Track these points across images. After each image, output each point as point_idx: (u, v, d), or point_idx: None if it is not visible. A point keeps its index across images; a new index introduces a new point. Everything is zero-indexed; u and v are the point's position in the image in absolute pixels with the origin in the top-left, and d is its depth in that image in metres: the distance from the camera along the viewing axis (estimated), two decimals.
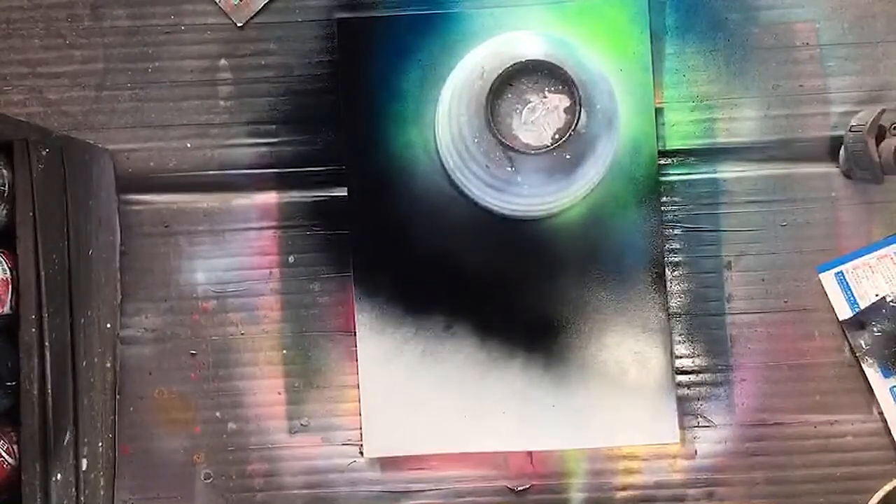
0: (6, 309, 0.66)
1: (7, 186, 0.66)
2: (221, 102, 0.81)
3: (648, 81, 0.78)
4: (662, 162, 0.79)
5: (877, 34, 0.79)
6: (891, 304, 0.77)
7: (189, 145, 0.81)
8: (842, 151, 0.78)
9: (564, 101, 0.75)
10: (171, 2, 0.80)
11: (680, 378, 0.79)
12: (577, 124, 0.74)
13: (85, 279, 0.73)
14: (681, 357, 0.79)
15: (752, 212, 0.79)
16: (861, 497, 0.77)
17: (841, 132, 0.78)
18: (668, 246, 0.79)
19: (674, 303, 0.79)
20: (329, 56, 0.80)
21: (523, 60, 0.74)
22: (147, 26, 0.81)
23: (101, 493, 0.76)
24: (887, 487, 0.76)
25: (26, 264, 0.66)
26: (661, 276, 0.78)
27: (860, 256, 0.78)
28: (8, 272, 0.66)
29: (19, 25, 0.81)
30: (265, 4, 0.80)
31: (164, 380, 0.80)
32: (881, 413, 0.78)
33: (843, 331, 0.78)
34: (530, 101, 0.76)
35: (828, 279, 0.79)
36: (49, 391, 0.67)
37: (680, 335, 0.80)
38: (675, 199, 0.80)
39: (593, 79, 0.76)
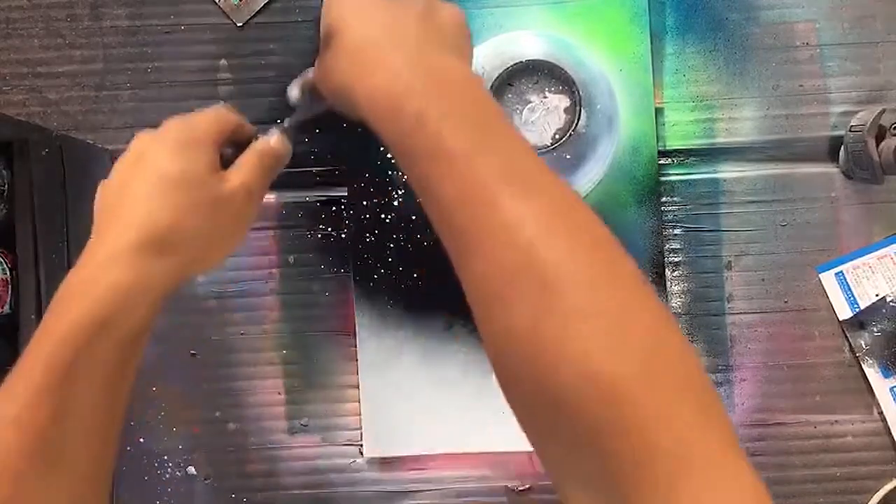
0: (6, 309, 0.66)
1: (6, 186, 0.66)
2: (221, 102, 0.81)
3: (648, 81, 0.78)
4: (662, 162, 0.79)
5: (877, 34, 0.79)
6: (891, 304, 0.77)
7: None
8: (842, 151, 0.78)
9: (564, 101, 0.75)
10: (171, 2, 0.80)
11: None
12: (577, 124, 0.74)
13: None
14: None
15: (752, 212, 0.79)
16: (861, 497, 0.78)
17: (841, 132, 0.78)
18: (668, 246, 0.79)
19: (674, 303, 0.79)
20: None
21: (523, 60, 0.74)
22: (147, 26, 0.81)
23: None
24: (887, 487, 0.76)
25: (26, 264, 0.66)
26: (661, 276, 0.78)
27: (860, 256, 0.78)
28: (7, 272, 0.66)
29: (19, 25, 0.81)
30: (265, 4, 0.80)
31: (164, 380, 0.80)
32: (881, 413, 0.78)
33: (843, 331, 0.78)
34: (530, 101, 0.76)
35: (828, 279, 0.79)
36: None
37: None
38: (675, 199, 0.80)
39: (593, 79, 0.76)
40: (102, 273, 0.42)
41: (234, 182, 0.48)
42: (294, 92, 0.53)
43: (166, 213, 0.44)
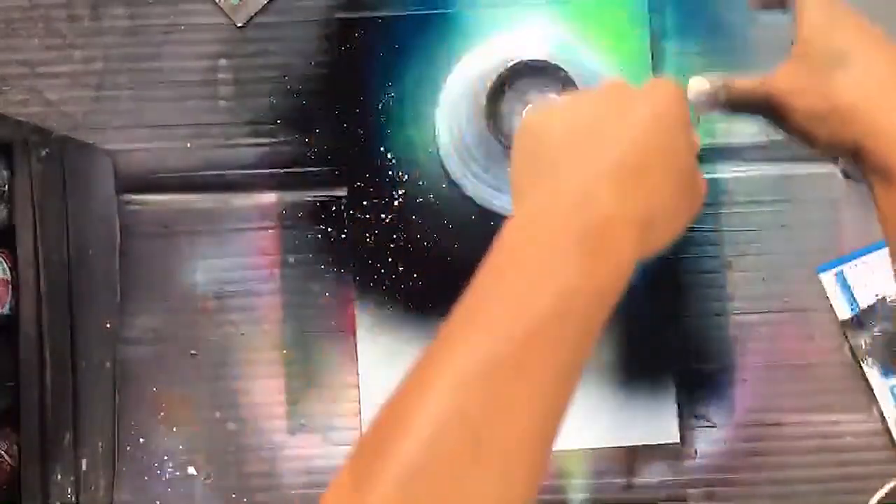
0: (6, 309, 0.66)
1: (6, 186, 0.67)
2: (221, 102, 0.81)
3: None
4: None
5: None
6: (891, 304, 0.77)
7: (189, 145, 0.81)
8: None
9: None
10: (170, 2, 0.80)
11: (680, 378, 0.79)
12: None
13: (85, 279, 0.73)
14: (681, 357, 0.79)
15: (752, 212, 0.79)
16: (861, 497, 0.77)
17: None
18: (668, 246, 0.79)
19: (674, 303, 0.79)
20: (329, 56, 0.80)
21: (523, 60, 0.74)
22: (147, 26, 0.81)
23: (101, 493, 0.76)
24: (887, 487, 0.76)
25: (26, 264, 0.66)
26: (662, 276, 0.78)
27: (860, 256, 0.78)
28: (8, 272, 0.66)
29: (19, 25, 0.81)
30: (265, 4, 0.80)
31: (164, 380, 0.80)
32: (881, 413, 0.78)
33: (843, 331, 0.78)
34: (530, 102, 0.76)
35: (828, 279, 0.79)
36: (49, 391, 0.67)
37: (680, 335, 0.80)
38: None
39: (593, 79, 0.76)
40: (609, 244, 0.37)
41: (701, 179, 0.44)
42: (701, 86, 0.48)
43: (671, 192, 0.39)
